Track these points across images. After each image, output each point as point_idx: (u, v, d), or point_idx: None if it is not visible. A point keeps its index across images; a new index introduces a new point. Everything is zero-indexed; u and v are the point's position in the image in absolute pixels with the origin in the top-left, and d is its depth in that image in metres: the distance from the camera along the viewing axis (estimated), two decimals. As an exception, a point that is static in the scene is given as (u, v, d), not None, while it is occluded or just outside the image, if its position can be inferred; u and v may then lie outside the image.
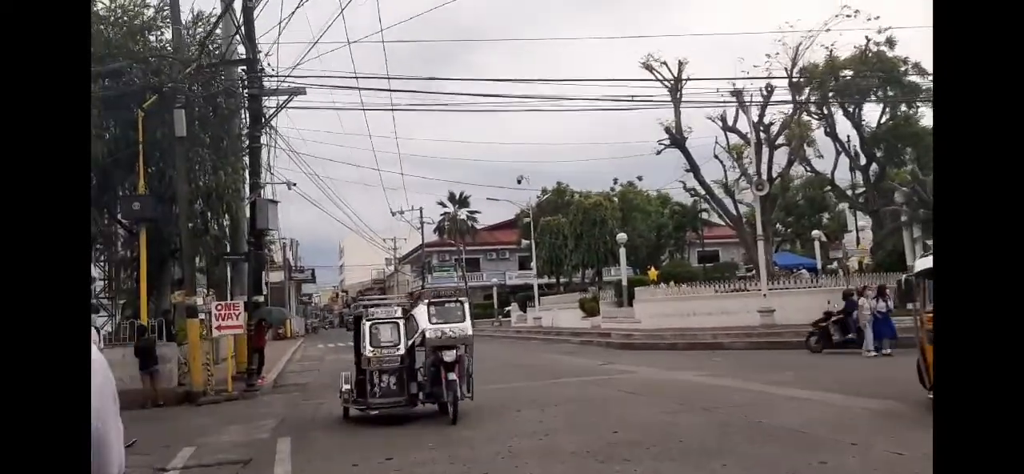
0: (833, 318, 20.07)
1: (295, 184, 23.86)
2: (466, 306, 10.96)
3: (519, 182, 43.22)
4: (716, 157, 30.81)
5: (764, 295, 25.00)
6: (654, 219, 50.41)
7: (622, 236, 33.96)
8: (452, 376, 10.11)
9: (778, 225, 45.04)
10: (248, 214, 18.01)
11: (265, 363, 17.64)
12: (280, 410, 13.16)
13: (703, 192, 31.09)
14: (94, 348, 1.29)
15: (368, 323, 10.73)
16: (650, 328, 27.69)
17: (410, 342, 10.73)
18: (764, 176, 27.91)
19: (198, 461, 8.71)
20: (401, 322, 10.84)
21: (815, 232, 42.16)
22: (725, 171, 32.08)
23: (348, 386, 11.03)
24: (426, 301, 11.17)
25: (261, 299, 17.71)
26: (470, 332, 10.65)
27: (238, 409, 13.77)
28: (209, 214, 17.00)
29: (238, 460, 8.58)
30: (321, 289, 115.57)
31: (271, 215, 17.37)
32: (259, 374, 16.61)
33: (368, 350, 10.51)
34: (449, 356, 10.21)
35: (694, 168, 29.72)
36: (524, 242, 48.12)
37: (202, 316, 15.98)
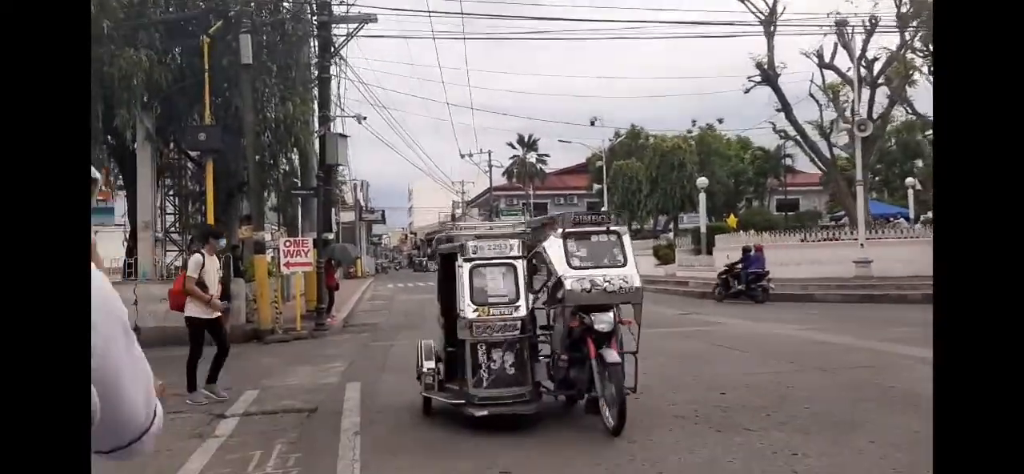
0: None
1: (365, 118, 23.12)
2: (626, 241, 6.79)
3: (592, 123, 41.66)
4: (811, 96, 28.67)
5: (862, 245, 23.21)
6: (733, 164, 48.21)
7: (702, 181, 32.21)
8: (612, 355, 6.28)
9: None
10: (317, 148, 17.31)
11: (335, 303, 17.11)
12: (350, 351, 12.50)
13: (795, 133, 29.02)
14: (95, 272, 1.05)
15: (467, 265, 6.73)
16: (732, 277, 26.21)
17: (536, 297, 7.08)
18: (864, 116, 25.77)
19: (261, 407, 8.02)
20: (520, 264, 6.84)
21: (909, 179, 39.44)
22: (821, 110, 29.88)
23: (431, 363, 7.18)
24: (561, 231, 6.74)
25: (331, 237, 17.07)
26: (638, 283, 6.57)
27: (306, 349, 13.19)
28: (277, 147, 16.31)
29: (303, 408, 7.85)
30: (390, 230, 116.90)
31: (341, 149, 16.64)
32: (329, 313, 16.06)
33: (468, 309, 6.54)
34: (603, 323, 6.39)
35: (786, 107, 27.69)
36: (595, 187, 46.68)
37: (270, 253, 15.43)
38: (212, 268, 8.58)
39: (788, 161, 50.11)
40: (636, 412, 6.78)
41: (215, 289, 8.61)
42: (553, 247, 6.70)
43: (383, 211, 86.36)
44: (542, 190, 61.03)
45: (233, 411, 7.80)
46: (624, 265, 6.59)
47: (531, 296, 6.87)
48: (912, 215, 35.26)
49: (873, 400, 7.27)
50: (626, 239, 6.83)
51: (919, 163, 45.19)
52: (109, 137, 15.43)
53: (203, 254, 8.54)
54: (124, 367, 1.10)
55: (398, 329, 16.26)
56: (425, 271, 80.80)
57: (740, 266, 22.28)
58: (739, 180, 48.98)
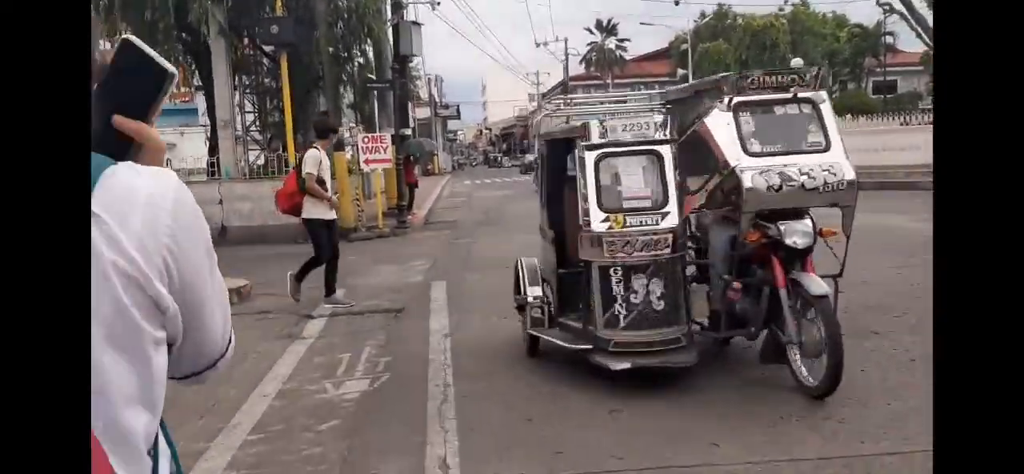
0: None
1: (439, 2, 22.16)
2: (826, 113, 4.88)
3: (677, 2, 39.33)
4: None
5: (974, 127, 21.31)
6: (828, 43, 45.23)
7: (797, 61, 30.20)
8: (817, 284, 4.53)
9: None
10: (391, 38, 16.72)
11: (416, 200, 16.88)
12: (432, 249, 12.23)
13: (900, 4, 26.62)
14: (170, 179, 1.00)
15: (592, 155, 4.79)
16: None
17: (700, 198, 5.07)
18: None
19: (347, 307, 7.78)
20: (668, 152, 4.83)
21: None
22: (930, -21, 27.25)
23: (537, 291, 5.53)
24: (728, 100, 4.78)
25: (408, 132, 16.67)
26: (851, 175, 4.71)
27: (389, 247, 13.00)
28: (351, 38, 15.79)
29: (390, 308, 7.57)
30: (465, 126, 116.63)
31: (415, 39, 16.00)
32: (410, 211, 15.84)
33: (596, 217, 4.74)
34: (798, 235, 4.65)
35: (891, -24, 25.30)
36: (680, 72, 44.68)
37: (349, 150, 15.18)
38: (328, 165, 7.86)
39: (889, 39, 46.66)
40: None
41: (332, 187, 7.98)
42: (719, 124, 4.69)
43: (458, 106, 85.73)
44: (622, 78, 59.00)
45: (320, 312, 7.60)
46: (827, 149, 4.70)
47: (681, 195, 4.85)
48: None
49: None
50: (826, 110, 4.82)
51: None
52: (183, 34, 15.23)
53: (319, 149, 7.68)
54: (208, 295, 1.06)
55: (478, 226, 15.93)
56: (500, 167, 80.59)
57: None
58: (834, 60, 46.02)
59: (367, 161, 14.84)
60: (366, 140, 14.81)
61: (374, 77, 17.04)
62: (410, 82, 16.94)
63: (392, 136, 15.44)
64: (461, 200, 26.48)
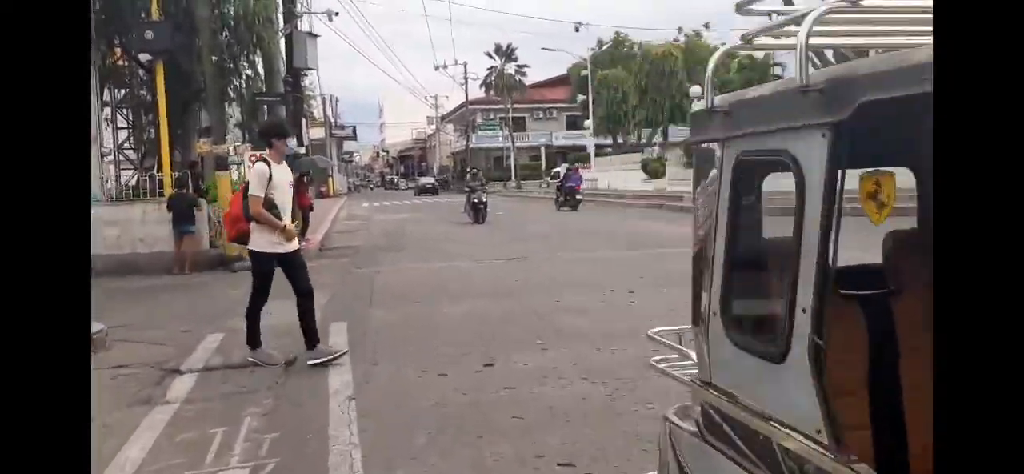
0: None
1: (337, 13, 20.81)
2: None
3: (577, 29, 39.36)
4: (815, -6, 26.82)
5: (870, 155, 21.81)
6: (719, 74, 46.39)
7: (695, 89, 30.43)
8: None
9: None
10: (283, 50, 15.31)
11: (310, 224, 15.38)
12: (330, 280, 10.89)
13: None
14: None
15: None
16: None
17: None
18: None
19: (225, 358, 6.47)
20: None
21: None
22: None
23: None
24: None
25: (302, 150, 15.26)
26: None
27: (279, 278, 11.56)
28: (238, 48, 14.31)
29: (278, 360, 6.29)
30: (361, 147, 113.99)
31: (310, 51, 14.69)
32: (304, 237, 14.39)
33: None
34: None
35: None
36: (580, 98, 44.74)
37: (234, 169, 13.62)
38: (283, 181, 6.08)
39: (778, 70, 48.54)
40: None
41: (288, 211, 6.20)
42: None
43: (354, 127, 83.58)
44: (520, 103, 58.80)
45: (190, 364, 6.24)
46: None
47: None
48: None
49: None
50: None
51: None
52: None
53: (268, 162, 5.99)
54: None
55: (380, 252, 14.68)
56: (397, 189, 78.97)
57: (566, 182, 27.61)
58: (725, 91, 47.22)
59: (255, 183, 13.34)
60: (253, 158, 13.28)
61: (264, 88, 15.53)
62: (304, 99, 15.50)
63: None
64: (359, 223, 25.00)
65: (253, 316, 6.27)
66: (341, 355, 6.14)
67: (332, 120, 70.56)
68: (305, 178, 14.58)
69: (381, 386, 5.39)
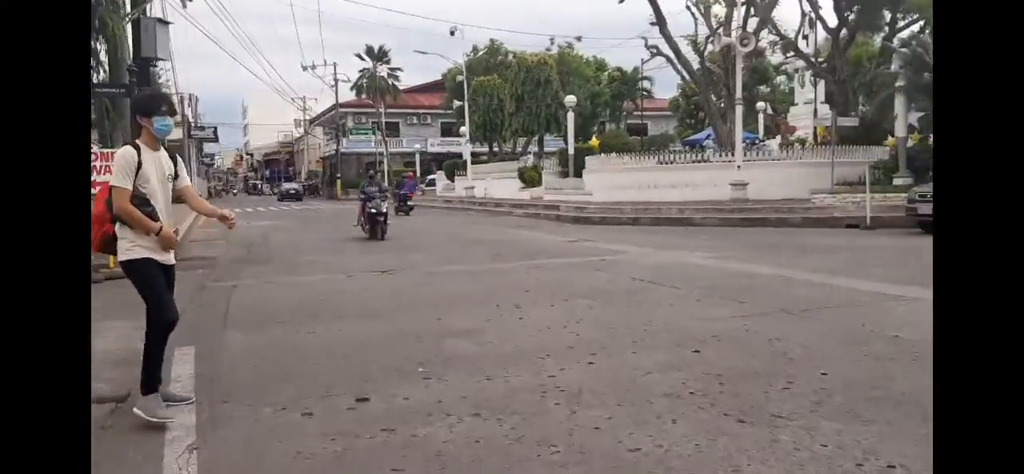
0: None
1: (191, 0, 19.03)
2: None
3: (452, 33, 38.72)
4: (688, 8, 27.59)
5: (738, 166, 22.56)
6: (590, 85, 47.25)
7: (570, 99, 30.69)
8: None
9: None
10: (131, 37, 13.71)
11: None
12: (179, 295, 9.63)
13: (668, 49, 27.92)
14: None
15: None
16: (604, 201, 25.09)
17: None
18: (735, 36, 24.93)
19: (183, 403, 5.25)
20: None
21: (760, 104, 40.15)
22: (696, 25, 29.03)
23: None
24: None
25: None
26: None
27: (120, 292, 10.16)
28: (73, 32, 12.64)
29: (107, 397, 5.19)
30: (223, 150, 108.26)
31: (160, 39, 13.20)
32: None
33: None
34: None
35: (661, 21, 26.41)
36: (456, 103, 44.15)
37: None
38: (155, 170, 4.57)
39: (646, 83, 49.92)
40: (607, 382, 4.81)
41: (166, 211, 4.69)
42: None
43: (215, 128, 78.91)
44: (394, 108, 57.55)
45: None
46: None
47: None
48: (762, 138, 35.74)
49: (891, 358, 5.69)
50: None
51: (764, 88, 46.23)
52: None
53: (139, 146, 4.55)
54: None
55: (241, 264, 13.39)
56: (260, 194, 75.31)
57: (401, 190, 32.07)
58: (595, 102, 48.18)
59: (94, 185, 11.74)
60: (94, 156, 11.71)
61: (109, 78, 13.82)
62: (154, 84, 13.90)
63: (128, 154, 12.43)
64: (217, 231, 23.18)
65: (153, 351, 4.79)
66: (184, 403, 5.01)
67: (191, 120, 66.25)
68: None
69: (231, 432, 4.45)
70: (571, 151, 30.07)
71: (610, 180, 26.44)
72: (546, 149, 40.17)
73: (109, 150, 12.50)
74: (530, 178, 33.45)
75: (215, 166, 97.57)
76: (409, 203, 29.97)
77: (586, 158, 28.89)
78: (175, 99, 31.35)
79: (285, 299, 9.12)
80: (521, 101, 35.64)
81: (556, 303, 8.32)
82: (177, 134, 56.99)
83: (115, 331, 7.26)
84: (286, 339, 6.82)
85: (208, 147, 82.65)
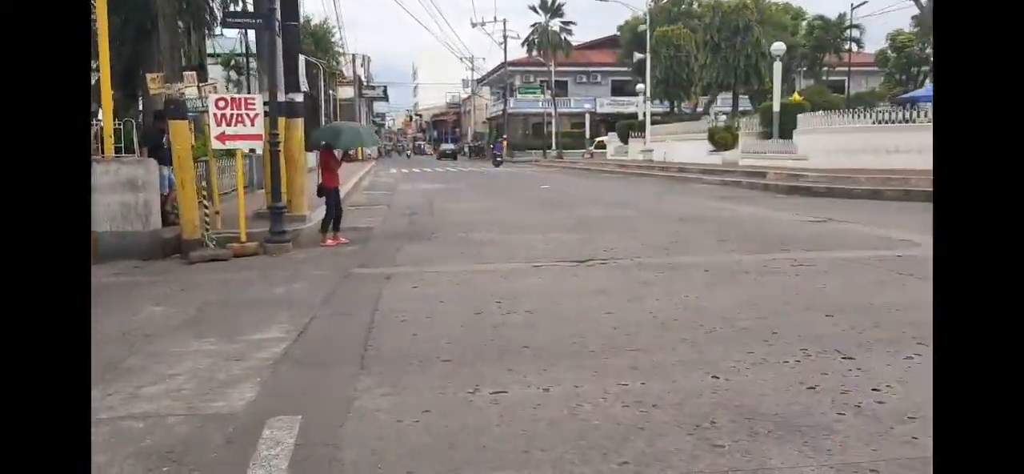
0: None
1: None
2: None
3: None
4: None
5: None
6: (787, 34, 41.61)
7: (779, 46, 25.95)
8: None
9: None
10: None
11: (342, 213, 11.22)
12: (309, 295, 7.02)
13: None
14: None
15: None
16: (825, 168, 20.66)
17: None
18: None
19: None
20: None
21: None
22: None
23: None
24: None
25: (299, 98, 11.35)
26: None
27: (240, 282, 7.74)
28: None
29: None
30: (394, 110, 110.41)
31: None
32: (333, 229, 10.51)
33: None
34: None
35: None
36: (637, 56, 40.19)
37: (193, 116, 9.81)
38: None
39: (855, 33, 43.45)
40: None
41: None
42: None
43: (385, 87, 79.65)
44: (565, 64, 54.41)
45: None
46: None
47: None
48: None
49: None
50: None
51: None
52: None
53: None
54: None
55: (398, 241, 10.79)
56: (423, 154, 75.12)
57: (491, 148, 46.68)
58: (791, 55, 42.48)
59: (223, 137, 9.48)
60: (221, 103, 9.42)
61: (243, 11, 11.58)
62: (299, 21, 11.49)
63: (268, 102, 10.09)
64: (381, 194, 21.20)
65: None
66: None
67: (363, 79, 66.79)
68: (330, 149, 10.70)
69: None
70: (776, 108, 25.52)
71: (832, 142, 21.88)
72: (729, 109, 35.56)
73: (237, 96, 10.27)
74: (722, 140, 29.18)
75: (386, 127, 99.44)
76: (499, 159, 43.22)
77: (797, 116, 24.32)
78: (346, 59, 30.13)
79: (452, 308, 6.21)
80: (717, 50, 31.11)
81: (898, 353, 4.81)
82: (348, 93, 57.28)
83: (191, 363, 4.60)
84: (454, 412, 3.81)
85: (378, 106, 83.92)
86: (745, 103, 38.31)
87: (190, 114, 10.48)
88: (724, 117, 32.46)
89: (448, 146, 66.22)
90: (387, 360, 4.70)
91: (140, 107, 12.60)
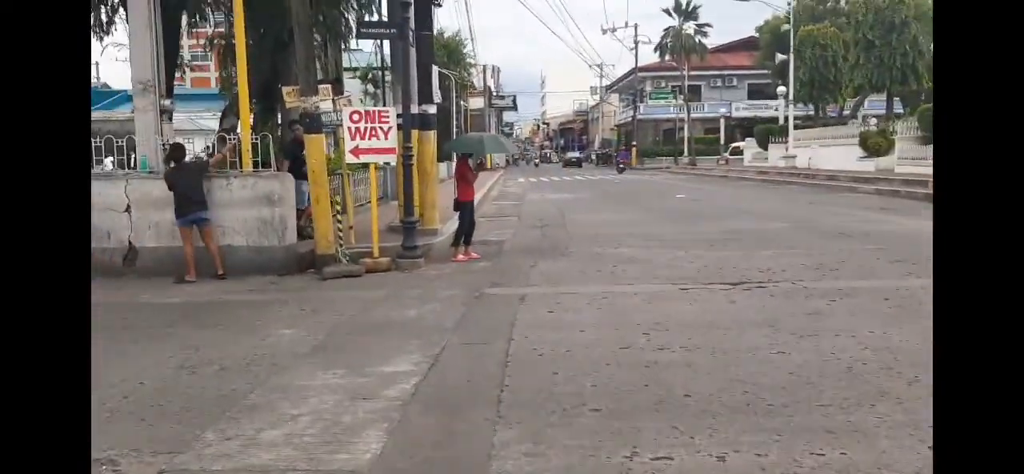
0: None
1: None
2: None
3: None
4: None
5: None
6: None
7: (944, 41, 23.54)
8: None
9: None
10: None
11: (474, 226, 10.87)
12: (442, 316, 6.58)
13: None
14: None
15: None
16: (1003, 175, 18.34)
17: None
18: None
19: None
20: None
21: None
22: None
23: None
24: None
25: (432, 110, 11.08)
26: None
27: (374, 300, 7.44)
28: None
29: None
30: (522, 119, 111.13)
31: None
32: (464, 244, 10.20)
33: None
34: None
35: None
36: (779, 58, 38.07)
37: (328, 129, 9.70)
38: None
39: None
40: None
41: None
42: None
43: (514, 97, 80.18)
44: (698, 68, 52.52)
45: None
46: None
47: None
48: None
49: None
50: None
51: None
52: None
53: None
54: None
55: (532, 255, 10.26)
56: (549, 163, 74.97)
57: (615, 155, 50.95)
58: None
59: (357, 151, 9.31)
60: (356, 117, 9.24)
61: (379, 20, 11.44)
62: (432, 31, 11.20)
63: (401, 114, 9.85)
64: (510, 205, 20.86)
65: None
66: None
67: (493, 90, 67.41)
68: (466, 160, 10.41)
69: None
70: (939, 110, 23.10)
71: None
72: (877, 113, 32.80)
73: (371, 109, 10.09)
74: (875, 145, 26.87)
75: (514, 134, 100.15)
76: (621, 166, 45.39)
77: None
78: (477, 70, 30.24)
79: (594, 338, 5.57)
80: (870, 49, 28.70)
81: None
82: (478, 103, 57.92)
83: (312, 398, 4.20)
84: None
85: (508, 116, 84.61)
86: (897, 107, 35.36)
87: (325, 128, 10.42)
88: (875, 120, 29.91)
89: (573, 154, 67.15)
90: (526, 405, 4.13)
91: (279, 120, 12.81)
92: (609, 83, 69.26)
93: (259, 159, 9.66)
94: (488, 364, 4.99)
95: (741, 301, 6.84)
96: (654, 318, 6.19)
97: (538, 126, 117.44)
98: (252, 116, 10.43)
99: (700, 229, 12.95)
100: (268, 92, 12.20)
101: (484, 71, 59.50)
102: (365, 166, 10.67)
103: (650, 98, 57.88)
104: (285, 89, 9.41)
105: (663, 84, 57.90)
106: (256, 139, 9.72)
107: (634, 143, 54.60)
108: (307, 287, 8.35)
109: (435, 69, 11.08)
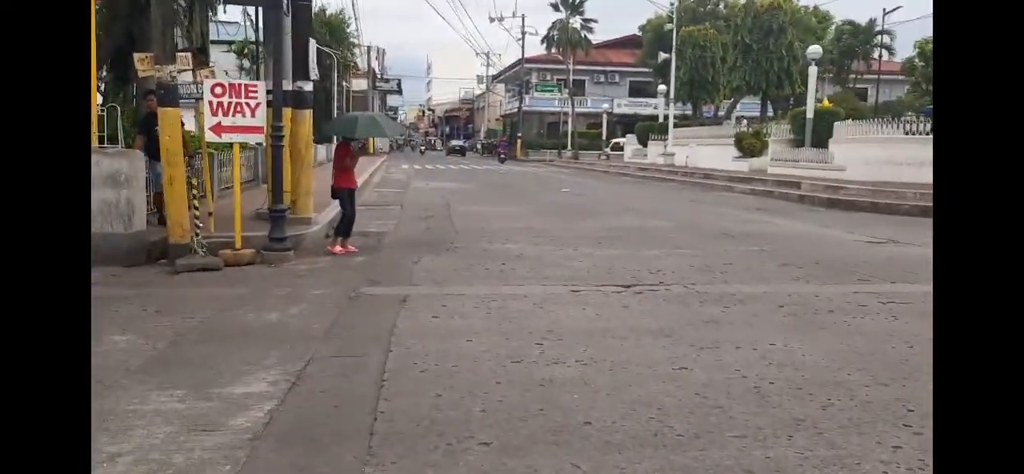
0: None
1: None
2: None
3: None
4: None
5: None
6: (814, 39, 40.15)
7: (816, 49, 24.64)
8: None
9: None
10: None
11: (354, 217, 9.93)
12: (310, 317, 5.83)
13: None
14: None
15: None
16: (865, 180, 19.43)
17: None
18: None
19: None
20: None
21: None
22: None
23: None
24: None
25: (308, 87, 10.16)
26: None
27: (232, 299, 6.56)
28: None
29: None
30: (407, 105, 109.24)
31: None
32: (340, 240, 9.30)
33: None
34: None
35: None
36: (662, 56, 38.87)
37: (191, 103, 8.65)
38: None
39: (885, 39, 41.98)
40: None
41: None
42: None
43: (399, 81, 78.54)
44: (583, 63, 53.05)
45: None
46: None
47: None
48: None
49: None
50: None
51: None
52: None
53: None
54: None
55: (413, 250, 9.60)
56: (433, 150, 74.16)
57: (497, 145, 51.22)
58: (820, 60, 41.03)
59: (219, 129, 8.32)
60: (218, 90, 8.24)
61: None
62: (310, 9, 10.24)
63: (271, 90, 8.91)
64: (393, 193, 20.02)
65: None
66: None
67: (377, 72, 65.65)
68: (348, 144, 9.50)
69: None
70: (810, 114, 24.18)
71: (872, 153, 20.58)
72: (751, 114, 34.21)
73: (243, 82, 9.15)
74: (750, 146, 27.85)
75: (398, 119, 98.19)
76: (502, 155, 47.14)
77: (834, 124, 23.01)
78: (361, 51, 28.96)
79: (483, 350, 5.01)
80: (747, 52, 29.70)
81: None
82: (362, 85, 56.20)
83: (157, 429, 3.42)
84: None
85: (392, 100, 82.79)
86: (769, 109, 36.99)
87: (186, 100, 9.32)
88: (745, 122, 31.05)
89: (457, 142, 69.29)
90: (404, 438, 3.51)
91: (134, 91, 11.48)
92: (496, 73, 69.04)
93: (105, 133, 8.48)
94: (360, 383, 4.32)
95: (634, 306, 6.48)
96: (547, 324, 5.70)
97: (423, 112, 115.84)
98: (103, 85, 9.17)
99: (587, 225, 12.68)
100: (121, 59, 10.88)
101: (368, 52, 57.78)
102: (230, 144, 9.65)
103: (536, 90, 58.09)
104: (138, 56, 8.27)
105: (549, 77, 58.26)
106: (103, 111, 8.52)
107: (519, 134, 54.60)
108: (154, 282, 7.34)
109: (313, 44, 10.16)
